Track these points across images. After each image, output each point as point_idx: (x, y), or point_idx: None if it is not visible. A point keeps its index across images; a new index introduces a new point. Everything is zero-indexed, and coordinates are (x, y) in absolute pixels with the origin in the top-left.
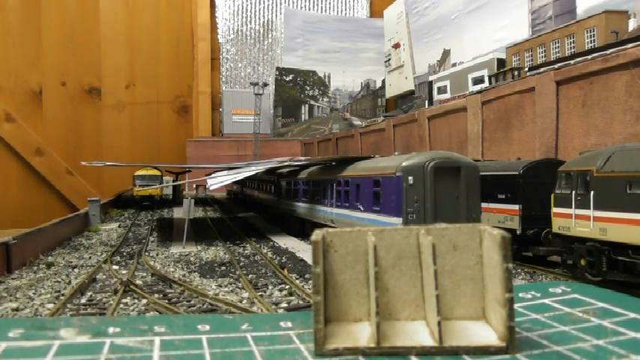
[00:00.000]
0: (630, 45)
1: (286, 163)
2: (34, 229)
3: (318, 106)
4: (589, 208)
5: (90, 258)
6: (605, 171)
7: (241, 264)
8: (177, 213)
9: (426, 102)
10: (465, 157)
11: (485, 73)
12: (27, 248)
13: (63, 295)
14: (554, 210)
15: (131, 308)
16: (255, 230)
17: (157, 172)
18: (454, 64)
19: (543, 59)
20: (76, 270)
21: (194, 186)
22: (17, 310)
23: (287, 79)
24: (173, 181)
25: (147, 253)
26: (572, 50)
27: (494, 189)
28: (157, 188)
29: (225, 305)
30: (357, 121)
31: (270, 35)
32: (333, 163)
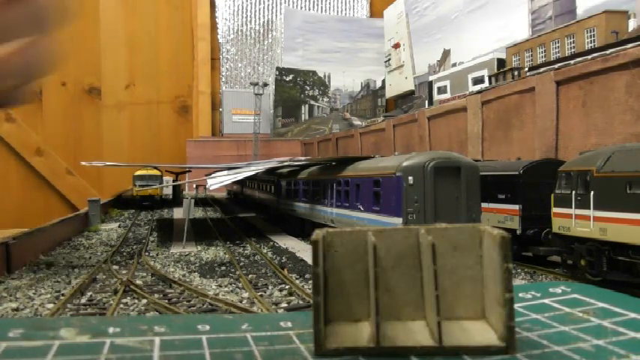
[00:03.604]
0: (630, 45)
1: (286, 163)
2: (34, 229)
3: (318, 106)
4: (589, 208)
5: (90, 258)
6: (605, 171)
7: (241, 264)
8: (178, 213)
9: (426, 102)
10: (465, 157)
11: (485, 73)
12: (27, 248)
13: (63, 295)
14: (554, 210)
15: (131, 308)
16: (255, 230)
17: (157, 172)
18: (454, 64)
19: (543, 59)
20: (76, 270)
21: (194, 186)
22: (17, 310)
23: (287, 79)
24: (173, 181)
25: (147, 253)
26: (572, 50)
27: (494, 189)
28: (157, 188)
29: (225, 305)
30: (357, 121)
31: (270, 35)
32: (333, 163)
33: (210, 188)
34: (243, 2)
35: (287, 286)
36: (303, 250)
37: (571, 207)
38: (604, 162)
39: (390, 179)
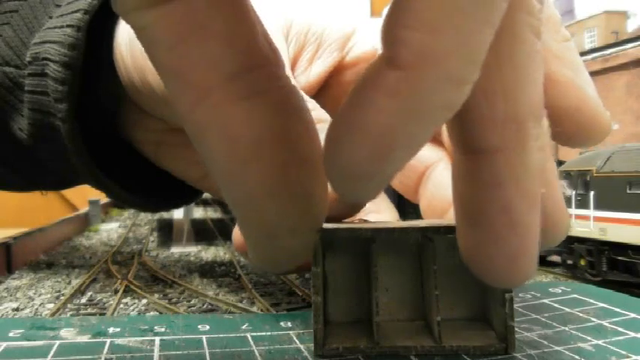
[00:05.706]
0: (630, 45)
1: None
2: (34, 229)
3: None
4: (589, 208)
5: (90, 258)
6: (605, 171)
7: (241, 264)
8: (177, 213)
9: None
10: None
11: None
12: (27, 248)
13: (63, 295)
14: None
15: (131, 308)
16: None
17: None
18: None
19: None
20: (76, 270)
21: None
22: (17, 310)
23: None
24: None
25: (147, 253)
26: None
27: None
28: None
29: (225, 305)
30: None
31: None
32: None
33: None
34: None
35: (287, 286)
36: None
37: (571, 207)
38: (604, 162)
39: None
